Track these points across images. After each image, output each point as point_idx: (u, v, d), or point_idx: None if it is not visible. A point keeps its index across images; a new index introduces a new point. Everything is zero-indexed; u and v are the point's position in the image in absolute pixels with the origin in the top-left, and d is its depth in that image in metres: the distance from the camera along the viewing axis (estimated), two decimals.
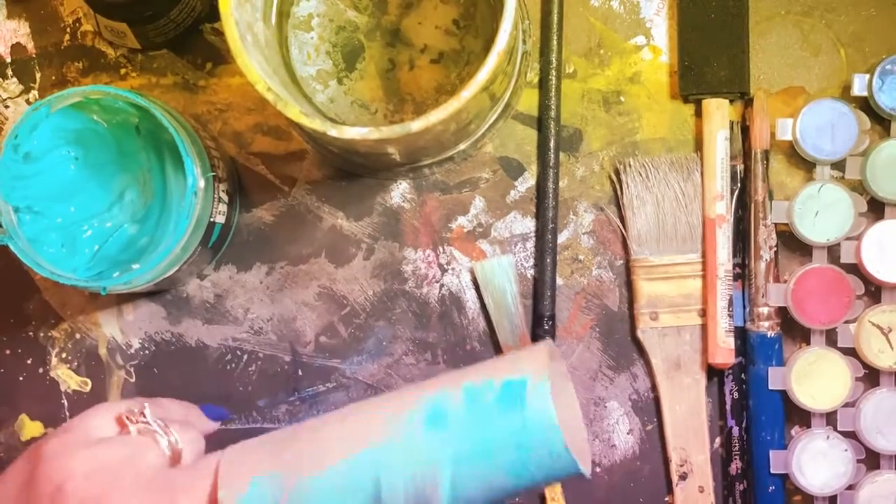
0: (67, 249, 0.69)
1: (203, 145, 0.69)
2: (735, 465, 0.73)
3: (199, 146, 0.68)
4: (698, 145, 0.74)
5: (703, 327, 0.73)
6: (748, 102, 0.74)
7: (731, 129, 0.74)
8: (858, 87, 0.72)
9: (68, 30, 0.76)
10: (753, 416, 0.73)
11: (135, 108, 0.68)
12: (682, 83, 0.74)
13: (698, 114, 0.74)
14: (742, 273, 0.73)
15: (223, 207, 0.71)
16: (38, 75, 0.76)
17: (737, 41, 0.73)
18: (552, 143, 0.74)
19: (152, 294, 0.75)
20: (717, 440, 0.74)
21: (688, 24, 0.74)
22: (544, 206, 0.74)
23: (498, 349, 0.74)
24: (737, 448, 0.73)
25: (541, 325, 0.74)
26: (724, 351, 0.72)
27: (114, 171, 0.70)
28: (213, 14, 0.75)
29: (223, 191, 0.71)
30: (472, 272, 0.75)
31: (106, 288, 0.67)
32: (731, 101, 0.74)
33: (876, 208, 0.72)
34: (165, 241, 0.67)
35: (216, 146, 0.72)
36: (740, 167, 0.74)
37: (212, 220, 0.69)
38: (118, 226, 0.69)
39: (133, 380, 0.75)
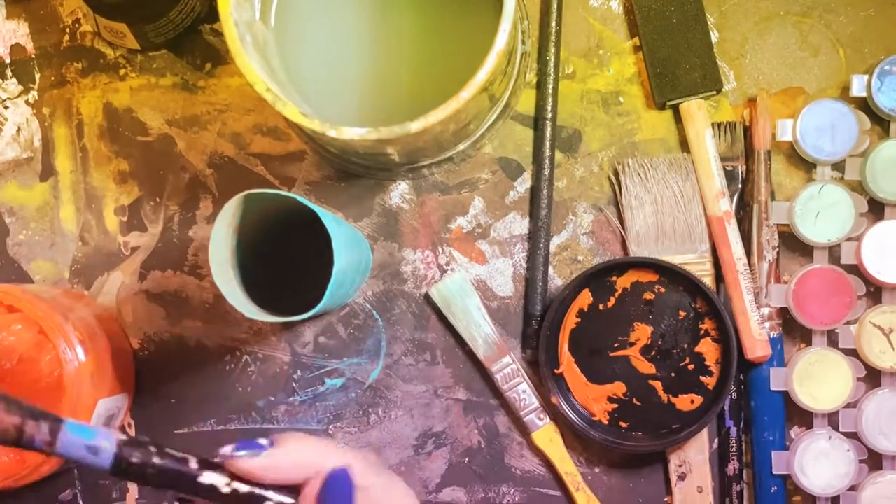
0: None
1: None
2: (733, 466, 0.73)
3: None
4: (685, 148, 0.74)
5: None
6: (749, 103, 0.74)
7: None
8: (857, 88, 0.72)
9: (68, 30, 0.76)
10: (755, 416, 0.72)
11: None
12: (658, 92, 0.73)
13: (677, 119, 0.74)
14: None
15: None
16: (37, 76, 0.76)
17: (702, 40, 0.73)
18: (547, 144, 0.74)
19: (152, 295, 0.75)
20: (716, 441, 0.74)
21: (651, 33, 0.74)
22: (537, 206, 0.74)
23: (480, 365, 0.74)
24: (735, 449, 0.73)
25: (530, 324, 0.74)
26: (762, 343, 0.71)
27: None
28: (213, 14, 0.75)
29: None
30: (426, 298, 0.74)
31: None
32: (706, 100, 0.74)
33: (876, 209, 0.72)
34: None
35: None
36: (741, 168, 0.73)
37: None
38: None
39: None
